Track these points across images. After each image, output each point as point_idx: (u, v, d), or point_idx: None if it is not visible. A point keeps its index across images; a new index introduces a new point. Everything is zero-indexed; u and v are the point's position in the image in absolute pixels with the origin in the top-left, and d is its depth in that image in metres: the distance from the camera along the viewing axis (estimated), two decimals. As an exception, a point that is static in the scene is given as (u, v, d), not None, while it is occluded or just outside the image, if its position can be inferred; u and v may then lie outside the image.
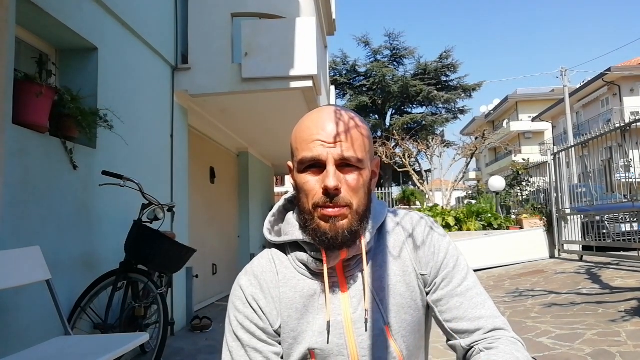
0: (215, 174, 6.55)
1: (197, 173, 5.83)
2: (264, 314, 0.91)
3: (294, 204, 1.01)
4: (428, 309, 0.94)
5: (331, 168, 0.84)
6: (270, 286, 0.92)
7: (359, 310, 0.88)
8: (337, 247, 0.86)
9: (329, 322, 0.87)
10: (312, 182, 0.86)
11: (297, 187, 0.90)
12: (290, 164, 0.95)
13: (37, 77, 2.62)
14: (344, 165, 0.86)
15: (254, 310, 0.91)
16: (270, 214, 1.00)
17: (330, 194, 0.83)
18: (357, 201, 0.86)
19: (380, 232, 0.95)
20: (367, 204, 0.90)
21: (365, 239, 0.89)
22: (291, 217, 0.97)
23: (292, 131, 0.93)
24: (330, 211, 0.84)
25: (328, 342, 0.87)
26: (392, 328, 0.88)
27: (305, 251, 0.91)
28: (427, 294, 0.93)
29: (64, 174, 2.82)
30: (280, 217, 1.01)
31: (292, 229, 0.94)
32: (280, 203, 1.02)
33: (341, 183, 0.84)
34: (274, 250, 0.97)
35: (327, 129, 0.86)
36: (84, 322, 2.83)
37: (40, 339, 2.28)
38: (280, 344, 0.92)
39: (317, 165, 0.86)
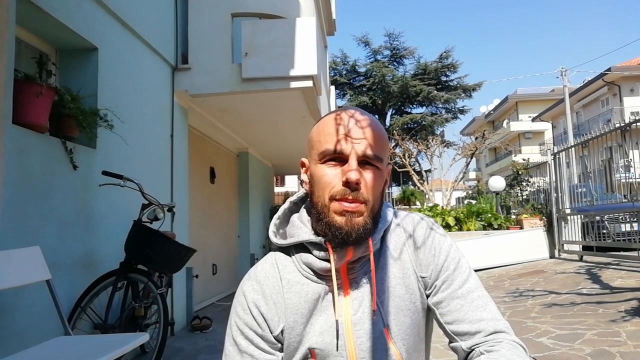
0: (215, 174, 6.55)
1: (197, 173, 5.83)
2: (264, 320, 0.91)
3: (299, 206, 1.02)
4: (429, 311, 0.94)
5: (354, 162, 0.84)
6: (273, 292, 0.92)
7: (360, 312, 0.88)
8: (349, 244, 0.86)
9: (337, 321, 0.88)
10: (331, 175, 0.86)
11: (312, 180, 0.90)
12: (305, 160, 0.95)
13: (37, 77, 2.62)
14: (364, 162, 0.86)
15: (254, 317, 0.91)
16: (276, 216, 1.00)
17: (351, 187, 0.83)
18: (373, 200, 0.86)
19: (383, 234, 0.94)
20: (380, 205, 0.90)
21: (373, 240, 0.89)
22: (296, 219, 0.96)
23: (313, 127, 0.94)
24: (348, 205, 0.84)
25: (337, 339, 0.87)
26: (392, 330, 0.88)
27: (310, 253, 0.91)
28: (428, 296, 0.92)
29: (64, 174, 2.82)
30: (286, 219, 1.01)
31: (297, 230, 0.93)
32: (285, 206, 1.02)
33: (361, 178, 0.85)
34: (278, 254, 0.97)
35: (353, 125, 0.87)
36: (84, 322, 2.82)
37: (40, 339, 2.27)
38: (281, 350, 0.92)
39: (338, 159, 0.86)
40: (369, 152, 0.85)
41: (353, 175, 0.83)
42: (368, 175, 0.86)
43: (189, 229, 4.86)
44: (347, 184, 0.83)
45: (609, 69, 21.68)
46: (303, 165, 0.95)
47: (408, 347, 0.90)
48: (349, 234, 0.84)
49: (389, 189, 16.70)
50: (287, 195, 11.90)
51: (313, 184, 0.90)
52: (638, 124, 5.63)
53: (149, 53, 4.14)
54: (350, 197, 0.84)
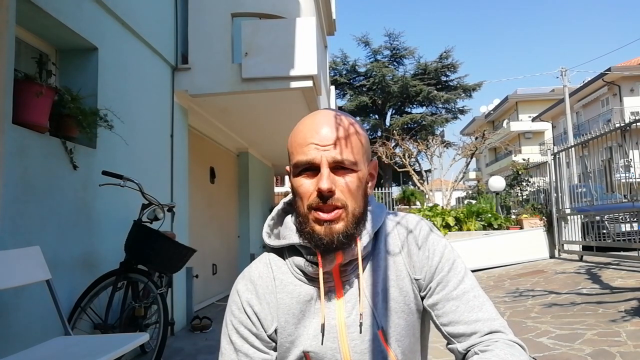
0: (215, 174, 6.55)
1: (197, 173, 5.83)
2: (258, 319, 0.92)
3: (293, 206, 1.02)
4: (425, 312, 0.94)
5: (325, 170, 0.84)
6: (266, 292, 0.93)
7: (353, 314, 0.88)
8: (333, 251, 0.86)
9: (323, 325, 0.88)
10: (307, 185, 0.86)
11: (293, 190, 0.91)
12: (288, 168, 0.95)
13: (37, 77, 2.62)
14: (338, 167, 0.85)
15: (248, 316, 0.92)
16: (270, 217, 1.00)
17: (324, 196, 0.84)
18: (353, 203, 0.86)
19: (377, 236, 0.94)
20: (364, 207, 0.89)
21: (362, 242, 0.89)
22: (289, 220, 0.96)
23: (290, 135, 0.94)
24: (324, 215, 0.85)
25: (322, 344, 0.87)
26: (386, 332, 0.88)
27: (302, 255, 0.91)
28: (423, 298, 0.92)
29: (64, 174, 2.82)
30: (280, 220, 1.01)
31: (289, 232, 0.93)
32: (279, 206, 1.02)
33: (335, 185, 0.84)
34: (272, 255, 0.97)
35: (321, 132, 0.86)
36: (84, 322, 2.83)
37: (40, 339, 2.28)
38: (275, 349, 0.93)
39: (311, 169, 0.86)
40: (340, 157, 0.85)
41: (323, 185, 0.83)
42: (343, 179, 0.85)
43: (189, 229, 4.86)
44: (320, 194, 0.84)
45: (609, 69, 21.67)
46: (287, 172, 0.96)
47: (404, 348, 0.90)
48: (330, 242, 0.85)
49: (388, 189, 16.70)
50: (287, 195, 11.85)
51: (294, 194, 0.91)
52: (638, 124, 5.63)
53: (149, 53, 4.14)
54: (326, 205, 0.84)
